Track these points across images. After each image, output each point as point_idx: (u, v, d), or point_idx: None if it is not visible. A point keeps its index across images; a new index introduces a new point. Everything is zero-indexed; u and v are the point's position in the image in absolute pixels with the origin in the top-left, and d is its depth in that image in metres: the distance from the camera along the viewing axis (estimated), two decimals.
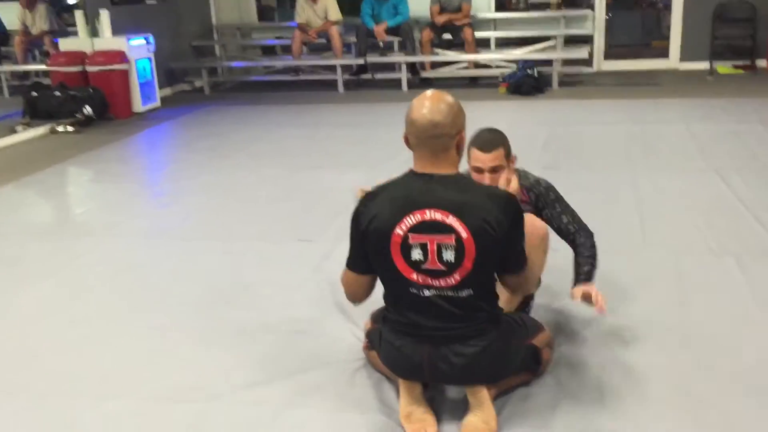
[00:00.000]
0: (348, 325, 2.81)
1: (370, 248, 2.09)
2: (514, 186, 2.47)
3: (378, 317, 2.31)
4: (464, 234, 1.97)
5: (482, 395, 2.12)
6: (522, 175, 2.69)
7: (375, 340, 2.28)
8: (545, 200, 2.65)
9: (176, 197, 4.72)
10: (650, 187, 4.33)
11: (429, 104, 2.02)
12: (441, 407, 2.23)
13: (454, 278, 2.02)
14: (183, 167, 5.49)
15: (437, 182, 2.02)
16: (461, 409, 2.17)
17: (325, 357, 2.58)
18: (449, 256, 1.99)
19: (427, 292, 2.05)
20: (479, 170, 2.50)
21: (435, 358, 2.09)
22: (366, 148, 5.66)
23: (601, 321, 2.74)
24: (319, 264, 3.45)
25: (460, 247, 1.98)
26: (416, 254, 2.02)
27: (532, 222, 2.39)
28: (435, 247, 2.00)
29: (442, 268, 2.01)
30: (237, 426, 2.23)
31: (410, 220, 2.00)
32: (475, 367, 2.09)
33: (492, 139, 2.51)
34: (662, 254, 3.36)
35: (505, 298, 2.52)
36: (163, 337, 2.81)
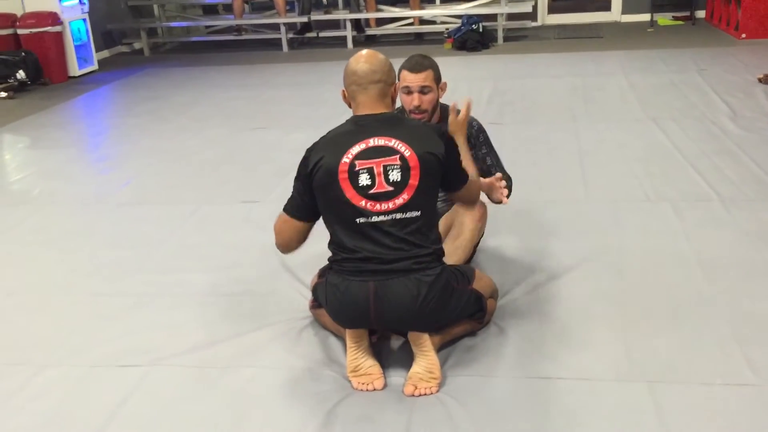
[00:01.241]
0: (294, 284, 2.81)
1: (317, 186, 2.16)
2: (463, 115, 2.48)
3: (324, 271, 2.32)
4: (407, 152, 2.12)
5: (425, 344, 2.16)
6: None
7: (321, 293, 2.29)
8: (474, 141, 2.75)
9: (117, 162, 4.60)
10: (591, 138, 4.40)
11: (366, 57, 2.22)
12: (387, 360, 2.26)
13: (403, 198, 2.12)
14: (123, 132, 5.35)
15: (378, 119, 2.19)
16: (407, 361, 2.20)
17: (271, 316, 2.58)
18: (395, 176, 2.11)
19: (375, 218, 2.11)
20: (409, 91, 2.57)
21: (381, 294, 2.10)
22: (311, 108, 5.60)
23: (544, 269, 2.80)
24: (264, 225, 3.41)
25: (405, 166, 2.12)
26: (364, 179, 2.11)
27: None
28: (381, 169, 2.11)
29: (390, 188, 2.11)
30: (182, 388, 2.22)
31: (356, 149, 2.13)
32: (419, 308, 2.10)
33: (421, 62, 2.61)
34: (602, 202, 3.43)
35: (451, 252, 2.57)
36: (106, 303, 2.77)
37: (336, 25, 8.53)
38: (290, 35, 8.42)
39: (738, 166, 3.76)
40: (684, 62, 6.30)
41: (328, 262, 2.26)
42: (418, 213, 2.14)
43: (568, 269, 2.80)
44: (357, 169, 2.11)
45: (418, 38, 8.56)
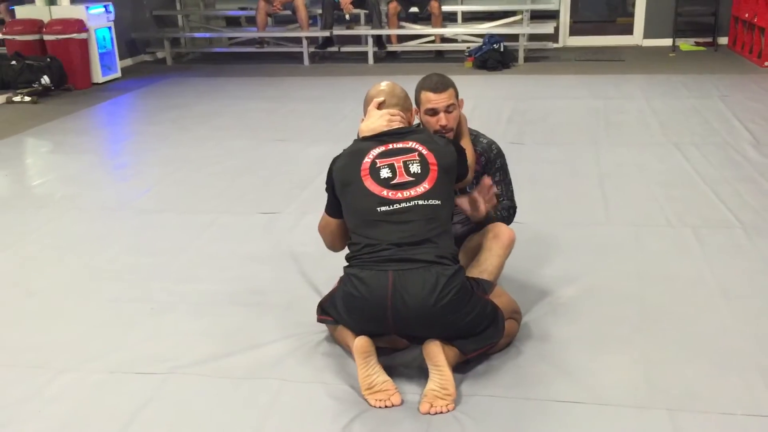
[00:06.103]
0: (312, 296, 2.80)
1: (339, 186, 2.32)
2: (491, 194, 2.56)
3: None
4: (424, 151, 2.31)
5: (440, 360, 2.13)
6: (474, 137, 2.72)
7: (337, 295, 2.28)
8: (491, 165, 2.73)
9: (137, 169, 4.64)
10: (612, 161, 4.38)
11: (386, 84, 2.51)
12: (403, 377, 2.25)
13: (424, 186, 2.26)
14: (144, 139, 5.39)
15: (393, 131, 2.39)
16: (423, 378, 2.18)
17: (288, 329, 2.58)
18: (416, 168, 2.28)
19: (397, 206, 2.23)
20: (434, 112, 2.55)
21: (399, 283, 2.11)
22: (331, 122, 5.62)
23: (562, 291, 2.78)
24: (283, 236, 3.44)
25: (423, 161, 2.29)
26: (385, 173, 2.27)
27: (505, 230, 2.59)
28: (402, 164, 2.28)
29: (411, 178, 2.26)
30: (197, 398, 2.21)
31: (376, 150, 2.33)
32: (436, 299, 2.09)
33: (442, 81, 2.60)
34: (623, 226, 3.41)
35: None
36: (123, 310, 2.78)
37: (357, 40, 8.58)
38: (312, 49, 8.48)
39: (760, 194, 3.73)
40: (706, 88, 6.28)
41: (346, 262, 2.27)
42: (438, 202, 2.25)
43: (588, 292, 2.78)
44: (378, 165, 2.28)
45: (439, 56, 8.59)
